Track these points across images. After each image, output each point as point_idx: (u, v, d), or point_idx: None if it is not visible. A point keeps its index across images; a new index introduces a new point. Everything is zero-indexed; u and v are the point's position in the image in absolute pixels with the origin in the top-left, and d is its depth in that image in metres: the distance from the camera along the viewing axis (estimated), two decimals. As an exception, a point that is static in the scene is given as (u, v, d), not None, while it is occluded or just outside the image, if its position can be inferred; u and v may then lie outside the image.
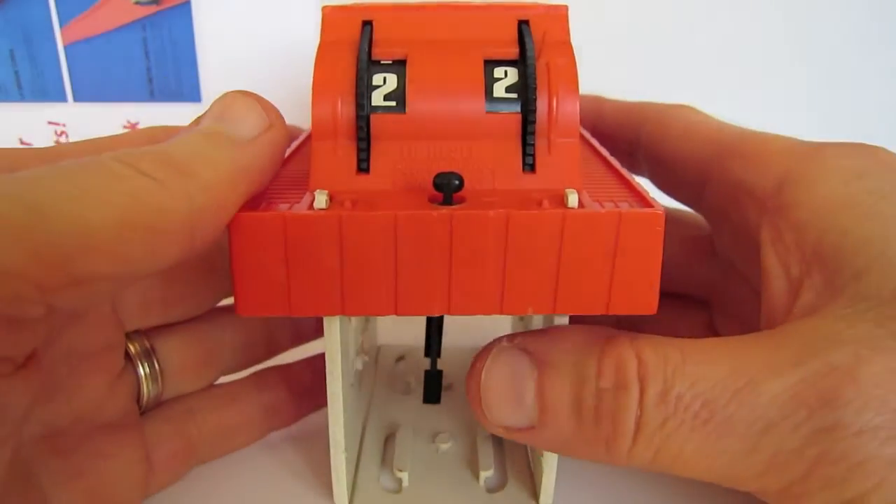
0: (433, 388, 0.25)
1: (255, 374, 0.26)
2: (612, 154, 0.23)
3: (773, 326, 0.19)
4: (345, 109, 0.18)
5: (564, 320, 0.20)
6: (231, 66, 0.38)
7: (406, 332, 0.31)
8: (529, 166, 0.18)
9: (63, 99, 0.38)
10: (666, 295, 0.18)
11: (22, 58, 0.37)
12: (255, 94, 0.19)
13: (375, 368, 0.31)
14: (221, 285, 0.24)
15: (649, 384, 0.17)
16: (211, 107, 0.18)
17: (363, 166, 0.18)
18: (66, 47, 0.37)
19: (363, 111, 0.18)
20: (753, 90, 0.43)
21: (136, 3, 0.37)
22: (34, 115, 0.38)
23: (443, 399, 0.26)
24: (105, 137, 0.21)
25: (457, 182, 0.17)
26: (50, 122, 0.38)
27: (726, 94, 0.38)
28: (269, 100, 0.19)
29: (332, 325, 0.20)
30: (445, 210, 0.16)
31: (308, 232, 0.16)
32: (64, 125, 0.38)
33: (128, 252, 0.14)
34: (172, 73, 0.38)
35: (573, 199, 0.17)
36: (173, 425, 0.23)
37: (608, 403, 0.17)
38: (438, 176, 0.17)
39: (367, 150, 0.18)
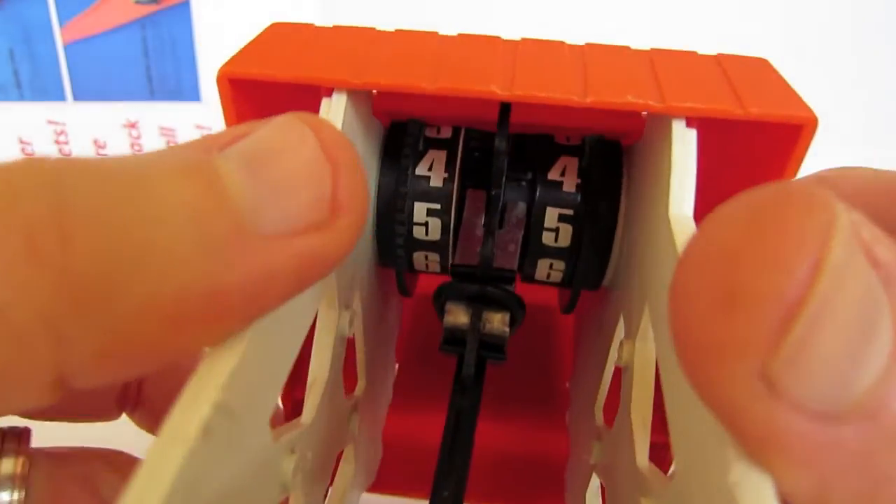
0: None
1: None
2: None
3: None
4: None
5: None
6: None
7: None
8: None
9: (62, 98, 0.38)
10: None
11: (21, 57, 0.37)
12: (340, 141, 0.11)
13: None
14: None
15: None
16: (256, 131, 0.10)
17: None
18: (65, 46, 0.37)
19: None
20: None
21: (136, 2, 0.37)
22: (34, 114, 0.38)
23: None
24: None
25: None
26: (49, 122, 0.38)
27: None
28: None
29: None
30: None
31: None
32: (63, 124, 0.38)
33: None
34: (172, 72, 0.38)
35: None
36: None
37: None
38: None
39: None
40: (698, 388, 0.08)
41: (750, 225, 0.08)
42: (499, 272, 0.16)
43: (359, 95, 0.15)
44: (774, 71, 0.14)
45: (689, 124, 0.13)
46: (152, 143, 0.39)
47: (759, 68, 0.14)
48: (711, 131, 0.16)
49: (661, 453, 0.14)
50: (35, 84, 0.38)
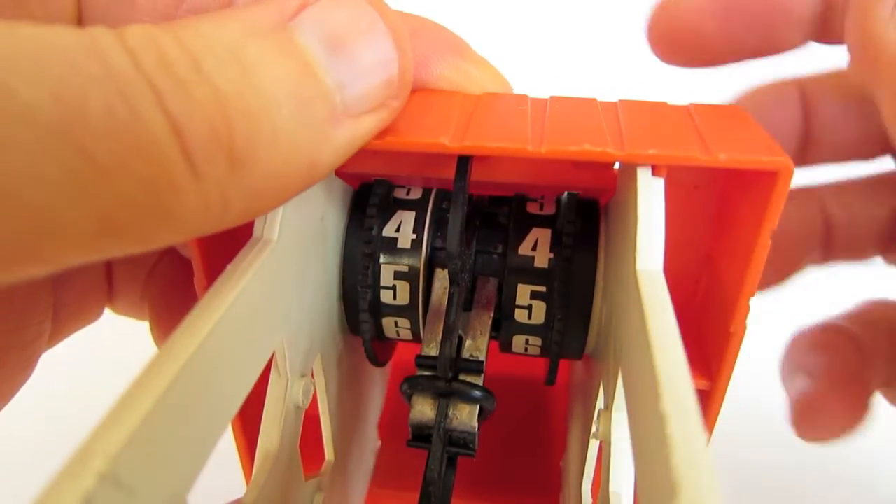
0: None
1: None
2: None
3: None
4: None
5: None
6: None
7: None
8: None
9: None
10: None
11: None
12: (404, 29, 0.12)
13: None
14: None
15: None
16: (322, 4, 0.11)
17: None
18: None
19: None
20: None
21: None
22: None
23: None
24: None
25: None
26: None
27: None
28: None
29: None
30: None
31: None
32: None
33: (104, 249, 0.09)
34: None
35: None
36: None
37: None
38: None
39: None
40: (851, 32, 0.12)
41: None
42: (466, 363, 0.15)
43: None
44: (748, 118, 0.13)
45: (655, 173, 0.12)
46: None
47: (732, 116, 0.13)
48: (686, 183, 0.15)
49: None
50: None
